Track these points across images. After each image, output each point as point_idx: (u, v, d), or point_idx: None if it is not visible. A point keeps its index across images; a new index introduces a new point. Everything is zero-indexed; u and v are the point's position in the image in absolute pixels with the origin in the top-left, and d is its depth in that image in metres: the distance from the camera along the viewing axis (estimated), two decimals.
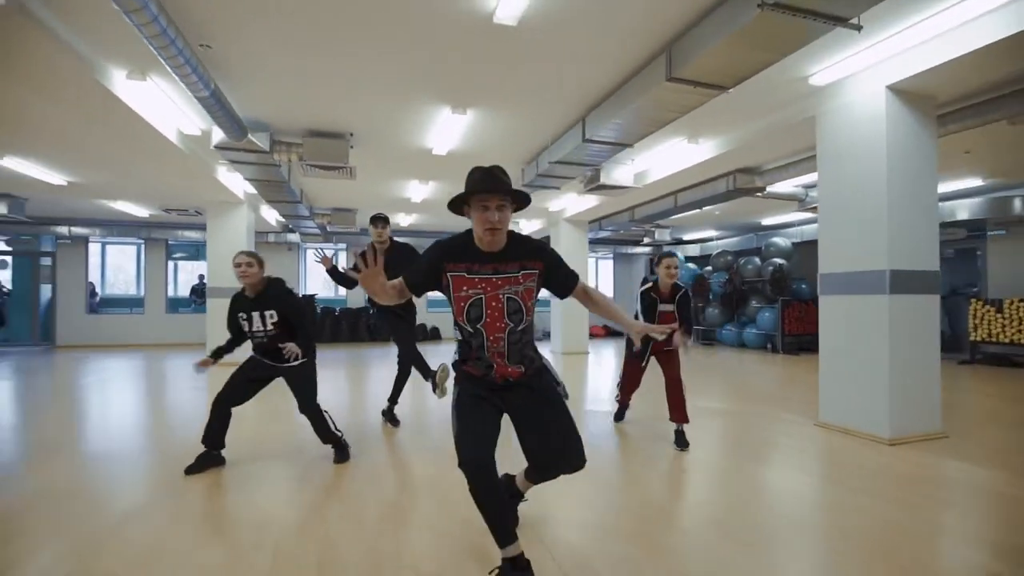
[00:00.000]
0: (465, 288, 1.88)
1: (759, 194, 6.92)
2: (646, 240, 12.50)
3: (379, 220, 4.01)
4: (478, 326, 1.90)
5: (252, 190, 7.76)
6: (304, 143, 5.29)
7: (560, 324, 9.82)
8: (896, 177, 3.72)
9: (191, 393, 5.89)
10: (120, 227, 11.12)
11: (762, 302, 10.71)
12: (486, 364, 1.95)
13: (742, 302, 10.98)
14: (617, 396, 4.23)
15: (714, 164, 5.99)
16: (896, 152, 3.72)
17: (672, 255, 3.83)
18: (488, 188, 1.81)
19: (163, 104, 4.51)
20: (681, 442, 3.61)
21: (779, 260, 10.35)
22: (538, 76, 4.09)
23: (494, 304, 1.88)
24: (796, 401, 5.20)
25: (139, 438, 3.93)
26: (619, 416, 4.29)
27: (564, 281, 2.01)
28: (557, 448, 1.95)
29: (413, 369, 4.12)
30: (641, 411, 4.57)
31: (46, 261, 11.42)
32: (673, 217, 9.91)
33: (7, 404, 5.38)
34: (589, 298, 2.10)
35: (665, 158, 6.28)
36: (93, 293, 12.10)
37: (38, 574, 1.97)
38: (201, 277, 12.42)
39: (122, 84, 3.95)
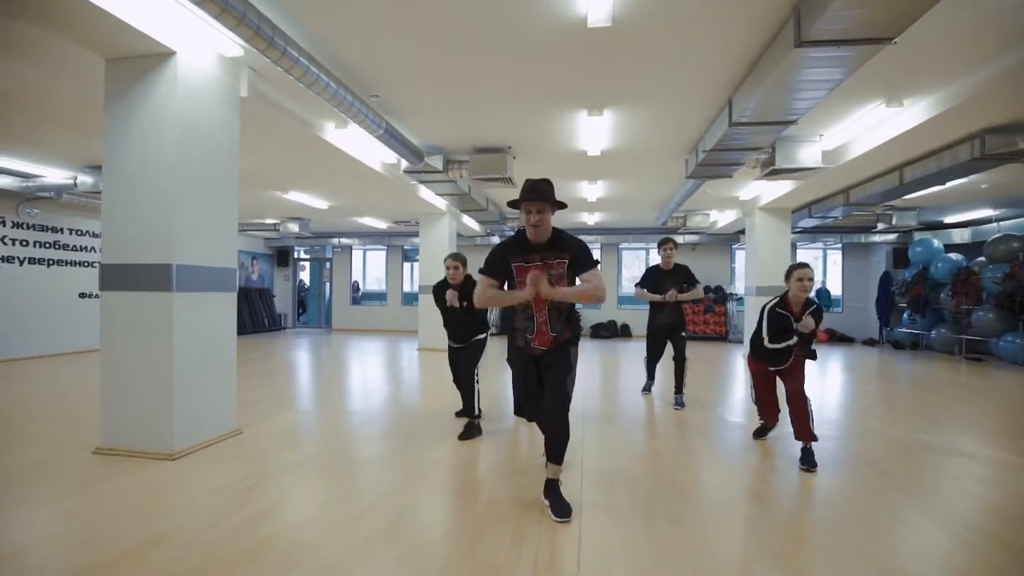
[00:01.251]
0: (524, 273, 2.52)
1: None
2: (881, 225, 10.18)
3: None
4: (531, 300, 2.50)
5: (448, 202, 9.04)
6: (471, 160, 6.02)
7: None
8: None
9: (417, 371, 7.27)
10: (371, 237, 14.11)
11: None
12: (526, 336, 2.60)
13: None
14: (761, 415, 3.74)
15: (941, 127, 4.68)
16: None
17: (805, 265, 3.27)
18: (526, 198, 2.49)
19: (362, 143, 5.72)
20: (808, 460, 3.17)
21: None
22: (655, 68, 3.92)
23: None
24: None
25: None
26: (760, 431, 3.81)
27: (581, 270, 2.52)
28: (547, 404, 2.56)
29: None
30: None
31: (327, 265, 15.20)
32: (913, 195, 7.94)
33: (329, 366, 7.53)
34: (591, 288, 2.49)
35: (864, 128, 5.17)
36: (356, 289, 15.59)
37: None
38: None
39: (332, 132, 5.17)
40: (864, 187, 7.24)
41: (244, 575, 1.93)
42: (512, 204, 2.61)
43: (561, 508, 2.46)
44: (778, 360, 3.35)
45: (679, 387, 4.86)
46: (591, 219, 11.22)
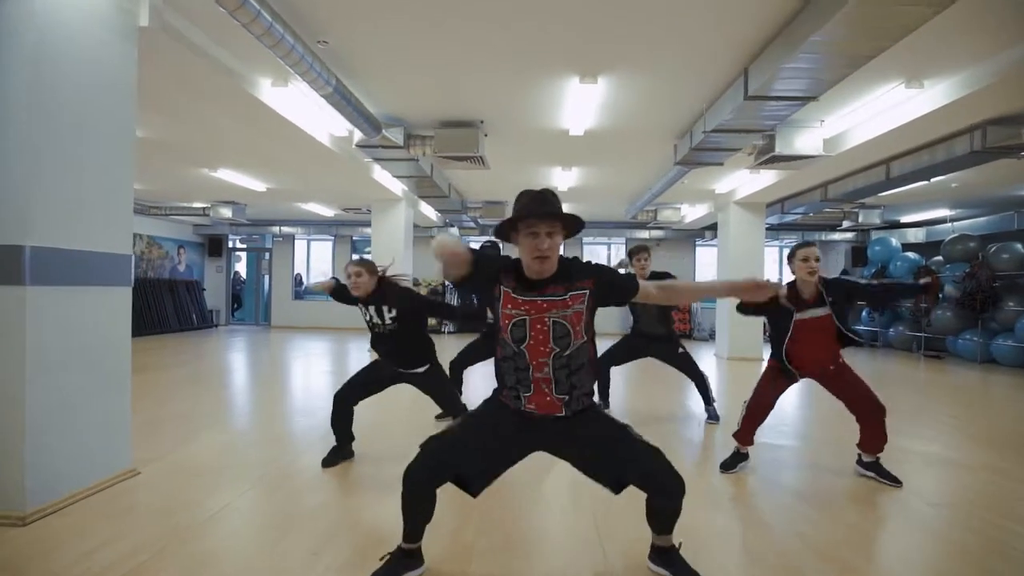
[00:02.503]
0: (510, 306, 1.70)
1: None
2: (845, 223, 10.17)
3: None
4: (522, 347, 1.70)
5: (406, 187, 8.14)
6: (436, 135, 5.21)
7: (727, 324, 8.48)
8: None
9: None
10: (316, 226, 12.90)
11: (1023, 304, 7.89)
12: (519, 393, 1.74)
13: (990, 303, 8.22)
14: (736, 430, 3.01)
15: (949, 115, 4.34)
16: None
17: (810, 244, 2.77)
18: (537, 212, 1.64)
19: (311, 110, 4.78)
20: (884, 475, 2.81)
21: None
22: (673, 22, 3.28)
23: (538, 327, 1.68)
24: None
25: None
26: (729, 463, 3.01)
27: (623, 285, 1.79)
28: (641, 481, 1.74)
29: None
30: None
31: (266, 256, 13.83)
32: (886, 193, 7.82)
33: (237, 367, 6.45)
34: (669, 290, 1.89)
35: (871, 114, 4.78)
36: (300, 282, 14.29)
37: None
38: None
39: (268, 91, 4.22)
40: (845, 181, 6.99)
41: None
42: (504, 226, 1.71)
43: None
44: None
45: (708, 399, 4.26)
46: None
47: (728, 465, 2.99)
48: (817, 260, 2.73)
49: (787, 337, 2.79)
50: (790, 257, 2.82)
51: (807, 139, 4.99)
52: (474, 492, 1.79)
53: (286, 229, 12.96)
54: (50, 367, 2.38)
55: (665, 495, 1.74)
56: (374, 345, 3.12)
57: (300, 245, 14.28)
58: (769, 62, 3.45)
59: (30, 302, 2.29)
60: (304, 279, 14.66)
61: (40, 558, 1.99)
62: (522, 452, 1.82)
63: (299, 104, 4.63)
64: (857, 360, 8.91)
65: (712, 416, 4.24)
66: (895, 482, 2.79)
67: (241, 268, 14.72)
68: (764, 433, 3.39)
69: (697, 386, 4.25)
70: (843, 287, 2.79)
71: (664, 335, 4.20)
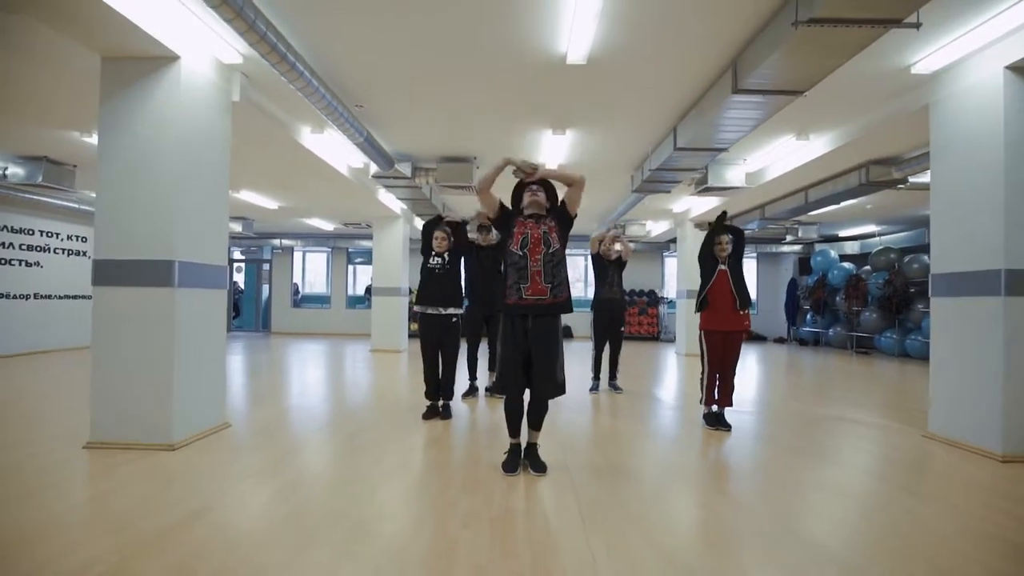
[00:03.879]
0: (519, 227, 2.97)
1: (900, 187, 6.27)
2: (789, 238, 11.61)
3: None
4: (525, 250, 2.90)
5: (405, 206, 9.28)
6: (438, 168, 6.38)
7: (684, 325, 9.76)
8: (1018, 167, 3.38)
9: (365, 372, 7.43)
10: (315, 238, 13.91)
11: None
12: (520, 287, 2.87)
13: (905, 306, 9.67)
14: (702, 397, 4.17)
15: (837, 157, 5.68)
16: (1018, 138, 3.38)
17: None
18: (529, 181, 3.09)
19: (335, 148, 5.92)
20: (717, 422, 4.04)
21: None
22: (617, 100, 4.54)
23: (535, 236, 2.93)
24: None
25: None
26: (714, 417, 4.13)
27: (561, 207, 3.06)
28: (538, 379, 2.91)
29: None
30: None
31: (266, 267, 14.75)
32: (815, 213, 9.23)
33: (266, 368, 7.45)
34: (570, 188, 3.06)
35: (779, 155, 6.11)
36: (297, 292, 15.23)
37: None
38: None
39: (308, 137, 5.35)
40: (777, 204, 8.36)
41: (286, 542, 2.17)
42: (518, 189, 3.09)
43: (539, 465, 2.99)
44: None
45: (613, 373, 5.76)
46: None
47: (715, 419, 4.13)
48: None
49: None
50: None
51: (733, 173, 6.29)
52: (529, 385, 2.96)
53: (286, 242, 13.93)
54: (186, 343, 3.46)
55: (539, 401, 2.96)
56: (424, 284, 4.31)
57: (297, 256, 15.24)
58: (689, 125, 4.71)
59: (177, 299, 3.37)
60: (300, 289, 15.60)
61: (194, 467, 3.07)
62: (526, 346, 2.91)
63: (329, 145, 5.76)
64: (802, 356, 10.30)
65: (616, 388, 5.71)
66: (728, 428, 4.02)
67: (239, 278, 15.59)
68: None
69: (612, 356, 5.72)
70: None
71: (619, 299, 5.63)
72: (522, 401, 2.97)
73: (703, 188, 6.38)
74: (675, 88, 4.27)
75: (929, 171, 6.00)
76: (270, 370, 7.57)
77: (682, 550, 2.12)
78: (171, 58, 3.35)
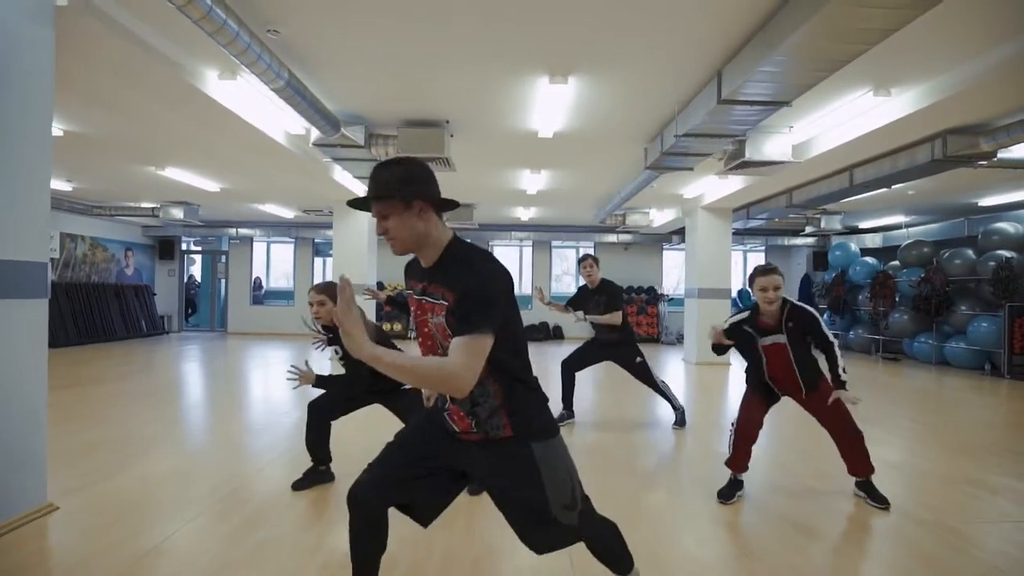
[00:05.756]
0: (411, 307, 1.54)
1: (983, 163, 5.02)
2: (808, 229, 10.40)
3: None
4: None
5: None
6: (399, 134, 4.97)
7: (695, 328, 8.49)
8: None
9: None
10: (276, 228, 12.39)
11: (976, 308, 8.17)
12: (442, 405, 1.53)
13: (945, 308, 8.50)
14: (728, 459, 2.84)
15: (914, 123, 4.38)
16: None
17: (769, 271, 2.64)
18: (364, 197, 1.46)
19: (262, 104, 4.48)
20: (875, 497, 2.73)
21: (1006, 253, 7.75)
22: (647, 22, 3.17)
23: (425, 331, 1.45)
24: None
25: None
26: (726, 492, 2.80)
27: (456, 326, 1.33)
28: (535, 537, 1.53)
29: None
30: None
31: (222, 259, 13.20)
32: (846, 200, 8.00)
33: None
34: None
35: (838, 120, 4.80)
36: (259, 286, 13.69)
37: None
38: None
39: (215, 84, 3.91)
40: (809, 187, 7.09)
41: None
42: (353, 205, 1.54)
43: None
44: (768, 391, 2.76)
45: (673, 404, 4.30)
46: (525, 215, 10.46)
47: (726, 495, 2.79)
48: (776, 289, 2.60)
49: (762, 362, 2.71)
50: (750, 282, 2.71)
51: (776, 145, 4.98)
52: (423, 520, 1.58)
53: (243, 231, 12.38)
54: None
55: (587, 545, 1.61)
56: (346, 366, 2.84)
57: (259, 248, 13.70)
58: (743, 65, 3.37)
59: None
60: (264, 283, 14.07)
61: None
62: (455, 465, 1.55)
63: (250, 99, 4.32)
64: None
65: (678, 421, 4.27)
66: (883, 504, 2.69)
67: (195, 271, 14.02)
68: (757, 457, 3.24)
69: (659, 394, 4.25)
70: (804, 320, 2.66)
71: (618, 340, 4.19)
72: (376, 516, 1.53)
73: (738, 163, 5.06)
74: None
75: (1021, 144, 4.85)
76: (192, 390, 6.13)
77: None
78: None
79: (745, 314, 2.74)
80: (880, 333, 9.74)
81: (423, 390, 2.05)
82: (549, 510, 1.45)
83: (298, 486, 2.84)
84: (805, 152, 5.32)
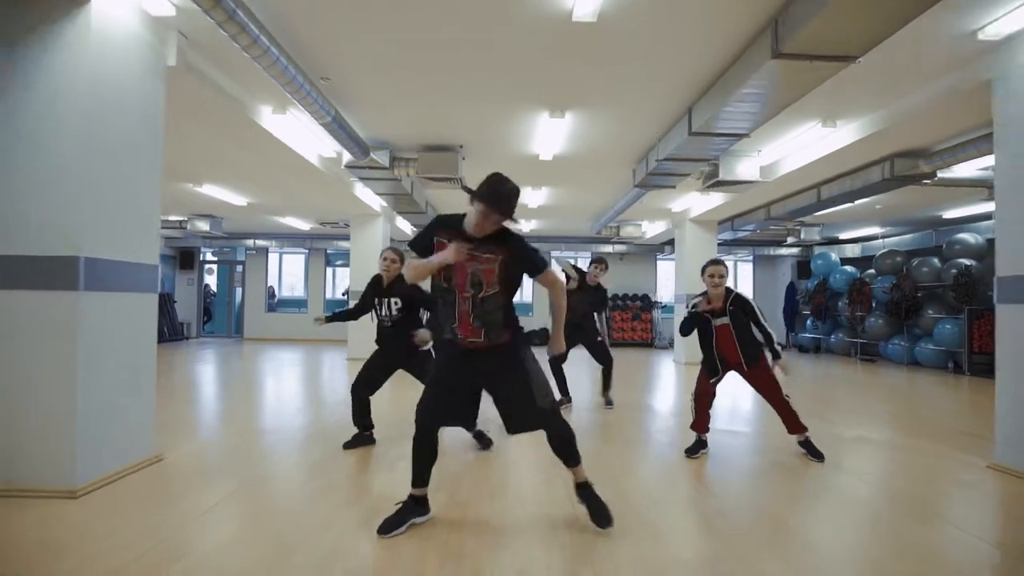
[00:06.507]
0: (441, 250, 2.21)
1: (927, 182, 5.75)
2: (790, 240, 11.14)
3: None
4: (451, 284, 2.23)
5: (385, 203, 8.58)
6: (419, 158, 5.71)
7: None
8: None
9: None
10: (291, 239, 13.11)
11: (942, 312, 8.88)
12: (452, 328, 2.26)
13: (914, 312, 9.21)
14: (692, 423, 3.53)
15: (862, 149, 5.14)
16: None
17: (717, 263, 3.42)
18: (489, 203, 2.20)
19: (302, 133, 5.21)
20: (813, 452, 3.38)
21: (966, 261, 8.48)
22: (629, 71, 3.91)
23: (462, 270, 2.20)
24: (969, 436, 4.21)
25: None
26: (692, 449, 3.48)
27: (529, 267, 2.25)
28: (517, 419, 2.29)
29: None
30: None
31: (239, 269, 13.90)
32: (820, 213, 8.73)
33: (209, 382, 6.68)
34: (551, 291, 2.34)
35: (798, 146, 5.55)
36: (272, 295, 14.38)
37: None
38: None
39: (268, 118, 4.64)
40: (784, 202, 7.83)
41: None
42: (470, 191, 2.25)
43: (602, 515, 2.29)
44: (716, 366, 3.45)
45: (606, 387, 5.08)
46: (527, 226, 11.20)
47: (692, 450, 3.49)
48: (721, 277, 3.35)
49: (713, 338, 3.40)
50: (702, 271, 3.46)
51: (746, 166, 5.72)
52: (468, 425, 2.43)
53: (260, 242, 13.11)
54: (96, 360, 2.74)
55: (533, 429, 2.31)
56: (379, 339, 3.58)
57: (272, 257, 14.41)
58: (708, 104, 4.11)
59: (82, 305, 2.65)
60: (276, 291, 14.76)
61: (89, 526, 2.35)
62: (472, 383, 2.32)
63: (294, 129, 5.05)
64: (805, 364, 9.78)
65: (608, 402, 5.06)
66: (819, 458, 3.35)
67: (212, 281, 14.70)
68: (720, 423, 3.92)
69: (603, 371, 5.02)
70: (742, 304, 3.37)
71: (578, 324, 4.73)
72: (436, 438, 2.33)
73: (713, 182, 5.80)
74: (701, 53, 3.62)
75: (962, 165, 5.56)
76: (233, 383, 6.80)
77: None
78: (77, 1, 2.65)
79: (700, 297, 3.43)
80: (858, 336, 10.43)
81: (421, 336, 3.29)
82: (533, 396, 2.23)
83: (348, 446, 3.53)
84: (773, 172, 6.06)
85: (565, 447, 2.32)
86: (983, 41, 3.25)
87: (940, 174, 5.63)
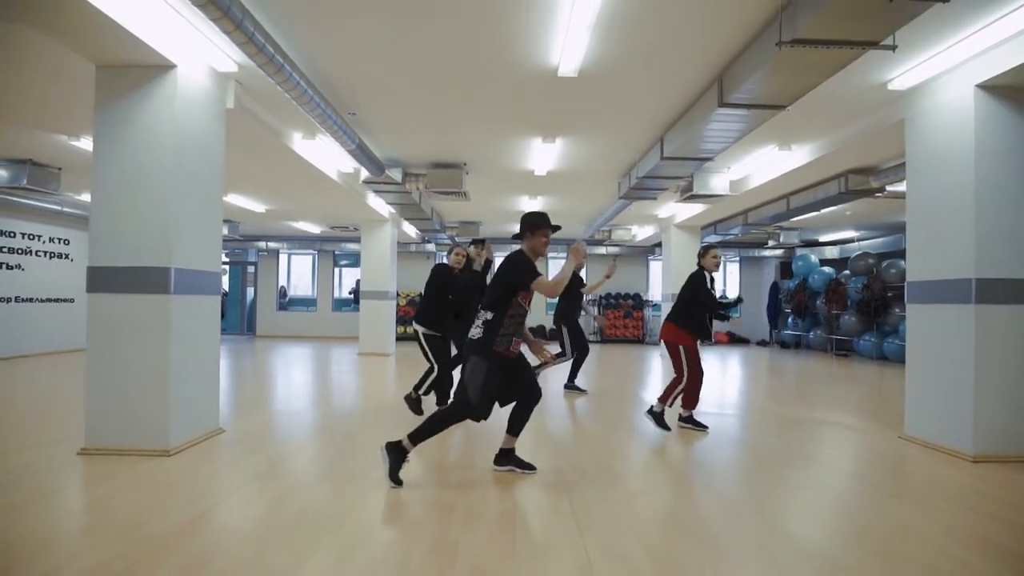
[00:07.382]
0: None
1: (879, 195, 6.49)
2: (771, 243, 11.88)
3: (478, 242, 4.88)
4: (527, 306, 3.05)
5: (394, 210, 9.31)
6: (428, 174, 6.43)
7: None
8: (987, 182, 3.55)
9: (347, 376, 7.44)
10: (300, 241, 13.82)
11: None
12: (511, 341, 2.95)
13: (883, 310, 9.96)
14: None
15: (818, 167, 5.87)
16: (988, 155, 3.55)
17: (715, 246, 4.22)
18: (550, 226, 3.21)
19: (326, 153, 5.94)
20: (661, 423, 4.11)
21: None
22: (607, 110, 4.65)
23: (526, 297, 3.04)
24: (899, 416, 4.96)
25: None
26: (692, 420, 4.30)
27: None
28: (531, 395, 3.11)
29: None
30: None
31: (251, 269, 14.61)
32: (796, 219, 9.46)
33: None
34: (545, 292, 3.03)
35: (762, 164, 6.28)
36: (284, 294, 15.10)
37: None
38: (358, 282, 14.77)
39: (299, 143, 5.37)
40: (759, 210, 8.57)
41: (289, 545, 2.21)
42: (532, 226, 3.16)
43: (526, 464, 3.12)
44: (707, 329, 4.17)
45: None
46: None
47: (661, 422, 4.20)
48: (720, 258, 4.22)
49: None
50: (703, 254, 4.26)
51: (718, 181, 6.45)
52: (503, 404, 3.07)
53: (272, 244, 13.82)
54: (181, 349, 3.47)
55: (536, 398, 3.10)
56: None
57: (283, 259, 15.11)
58: (677, 134, 4.84)
59: (172, 306, 3.38)
60: (287, 291, 15.48)
61: (194, 471, 3.08)
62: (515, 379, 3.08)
63: (319, 151, 5.77)
64: (783, 358, 10.54)
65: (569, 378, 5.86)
66: (666, 428, 4.09)
67: (224, 280, 15.40)
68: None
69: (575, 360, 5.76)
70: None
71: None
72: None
73: (688, 195, 6.53)
74: (663, 101, 4.39)
75: (905, 181, 6.32)
76: (258, 375, 7.53)
77: (674, 551, 2.22)
78: (167, 67, 3.36)
79: (698, 271, 4.23)
80: (834, 333, 11.17)
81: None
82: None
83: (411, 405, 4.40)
84: (742, 186, 6.80)
85: (430, 427, 2.93)
86: (892, 91, 3.99)
87: (889, 188, 6.37)
